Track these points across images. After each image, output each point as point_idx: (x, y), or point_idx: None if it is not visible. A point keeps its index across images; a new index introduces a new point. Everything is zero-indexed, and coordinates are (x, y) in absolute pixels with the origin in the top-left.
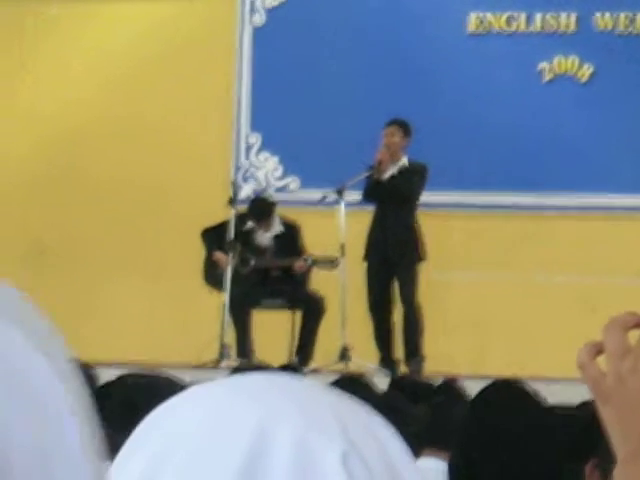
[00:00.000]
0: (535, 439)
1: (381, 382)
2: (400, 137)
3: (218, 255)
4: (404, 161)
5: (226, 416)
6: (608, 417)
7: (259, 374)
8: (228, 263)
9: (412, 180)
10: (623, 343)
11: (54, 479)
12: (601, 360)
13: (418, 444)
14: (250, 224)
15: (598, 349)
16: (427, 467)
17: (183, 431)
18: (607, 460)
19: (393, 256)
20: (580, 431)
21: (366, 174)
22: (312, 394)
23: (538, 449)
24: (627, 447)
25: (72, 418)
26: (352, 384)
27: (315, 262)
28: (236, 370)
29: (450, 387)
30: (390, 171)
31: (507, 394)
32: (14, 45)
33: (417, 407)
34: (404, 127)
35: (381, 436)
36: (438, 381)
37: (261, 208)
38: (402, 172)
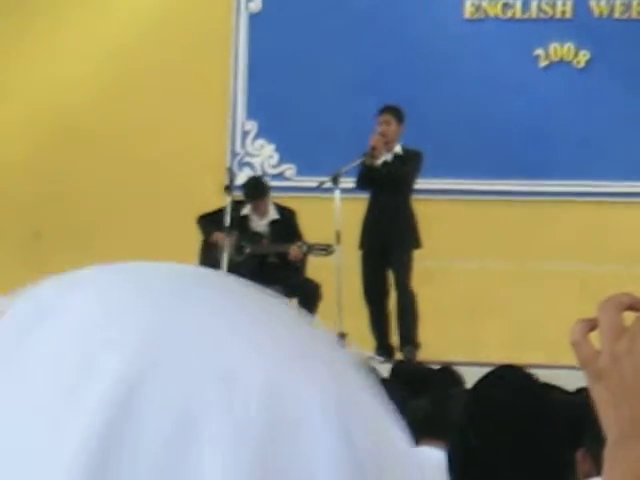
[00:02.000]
0: (536, 425)
1: (377, 368)
2: (395, 125)
3: (217, 235)
4: (398, 148)
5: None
6: (600, 396)
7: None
8: (226, 243)
9: (406, 166)
10: (618, 323)
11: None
12: (593, 336)
13: (416, 434)
14: (246, 210)
15: (591, 326)
16: (425, 454)
17: None
18: (598, 446)
19: (388, 243)
20: (577, 417)
21: (360, 160)
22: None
23: (538, 435)
24: (618, 429)
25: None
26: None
27: (310, 249)
28: None
29: (448, 373)
30: (384, 158)
31: (509, 380)
32: (10, 27)
33: (416, 399)
34: (398, 114)
35: (381, 420)
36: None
37: (256, 186)
38: (396, 159)
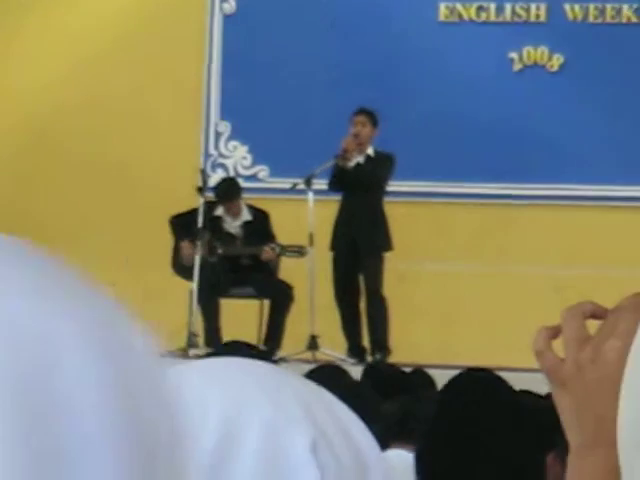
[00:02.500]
0: (505, 429)
1: (349, 370)
2: (369, 127)
3: (183, 245)
4: (371, 150)
5: (194, 402)
6: (563, 404)
7: (227, 359)
8: (191, 253)
9: (378, 168)
10: (582, 331)
11: None
12: (556, 344)
13: (387, 438)
14: (219, 211)
15: (554, 333)
16: (394, 457)
17: None
18: (568, 451)
19: (359, 246)
20: (548, 421)
21: (332, 162)
22: (278, 380)
23: (508, 439)
24: (581, 437)
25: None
26: (329, 372)
27: (283, 250)
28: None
29: (419, 376)
30: (356, 160)
31: (478, 383)
32: None
33: (386, 402)
34: (373, 117)
35: (346, 422)
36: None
37: (229, 188)
38: (368, 161)
